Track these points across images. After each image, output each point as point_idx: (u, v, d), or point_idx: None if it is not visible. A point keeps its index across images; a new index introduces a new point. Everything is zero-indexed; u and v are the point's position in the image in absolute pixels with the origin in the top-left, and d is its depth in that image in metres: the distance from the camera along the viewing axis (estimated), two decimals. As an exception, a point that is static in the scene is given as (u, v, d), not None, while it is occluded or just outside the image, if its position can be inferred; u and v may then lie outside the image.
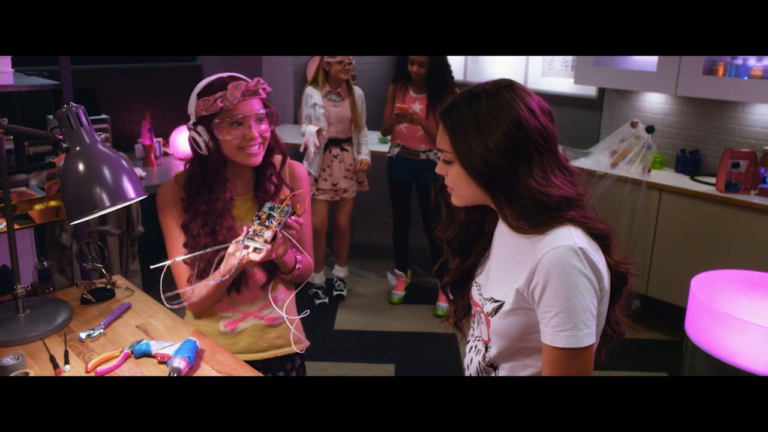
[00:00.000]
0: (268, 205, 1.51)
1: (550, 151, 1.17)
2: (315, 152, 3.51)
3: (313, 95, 3.53)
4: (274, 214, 1.49)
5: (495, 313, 1.22)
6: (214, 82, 1.54)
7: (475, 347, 1.34)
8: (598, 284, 1.12)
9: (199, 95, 1.54)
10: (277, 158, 1.66)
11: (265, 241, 1.46)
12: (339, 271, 3.95)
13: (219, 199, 1.60)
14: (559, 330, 1.10)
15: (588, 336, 1.10)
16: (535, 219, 1.15)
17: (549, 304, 1.11)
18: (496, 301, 1.23)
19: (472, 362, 1.34)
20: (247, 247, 1.46)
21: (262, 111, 1.56)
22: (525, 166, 1.14)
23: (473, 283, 1.34)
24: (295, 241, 1.52)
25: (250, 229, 1.48)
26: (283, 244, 1.50)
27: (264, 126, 1.58)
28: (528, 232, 1.16)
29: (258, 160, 1.59)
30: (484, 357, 1.29)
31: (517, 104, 1.15)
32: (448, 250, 1.39)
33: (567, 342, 1.10)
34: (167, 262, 1.54)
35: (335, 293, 3.89)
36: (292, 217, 1.50)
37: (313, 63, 4.76)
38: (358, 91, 3.64)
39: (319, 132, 3.47)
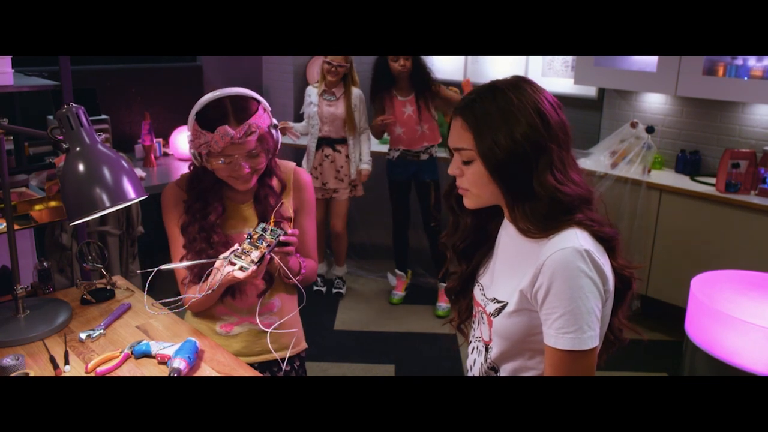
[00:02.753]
0: (261, 225, 1.52)
1: (567, 147, 1.17)
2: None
3: (311, 94, 3.64)
4: (266, 236, 1.50)
5: (498, 314, 1.21)
6: (208, 111, 1.51)
7: (477, 348, 1.34)
8: (603, 287, 1.12)
9: (197, 117, 1.53)
10: (275, 183, 1.66)
11: (252, 261, 1.47)
12: (338, 271, 3.97)
13: (212, 212, 1.61)
14: (564, 332, 1.10)
15: (592, 339, 1.10)
16: (545, 221, 1.14)
17: (553, 306, 1.11)
18: (499, 302, 1.22)
19: (475, 363, 1.34)
20: (233, 264, 1.47)
21: (255, 148, 1.53)
22: (546, 160, 1.14)
23: (476, 284, 1.34)
24: (285, 268, 1.55)
25: (239, 247, 1.49)
26: (272, 263, 1.52)
27: (258, 159, 1.56)
28: (535, 235, 1.15)
29: (248, 186, 1.60)
30: (485, 358, 1.28)
31: (539, 97, 1.16)
32: (454, 256, 1.37)
33: (571, 344, 1.09)
34: (155, 270, 1.51)
35: (334, 291, 3.91)
36: (290, 231, 1.52)
37: (313, 63, 4.76)
38: (356, 92, 3.63)
39: (284, 130, 3.58)
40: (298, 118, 4.91)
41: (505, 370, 1.25)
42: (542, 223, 1.14)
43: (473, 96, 1.18)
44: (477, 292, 1.33)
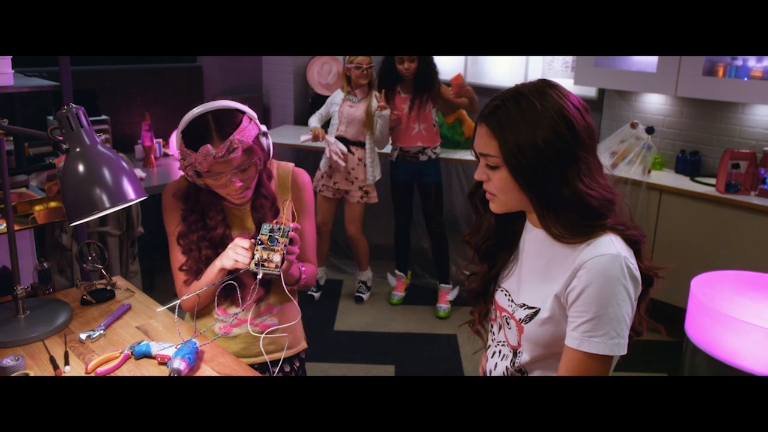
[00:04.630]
0: (267, 227, 1.51)
1: (593, 151, 1.16)
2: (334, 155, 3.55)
3: (337, 96, 3.63)
4: (276, 237, 1.49)
5: (529, 320, 1.21)
6: (191, 130, 1.49)
7: (500, 352, 1.32)
8: (635, 293, 1.12)
9: (183, 135, 1.51)
10: (271, 188, 1.66)
11: (276, 267, 1.47)
12: (361, 275, 3.95)
13: (217, 226, 1.62)
14: (590, 335, 1.10)
15: (619, 346, 1.10)
16: (578, 228, 1.13)
17: (583, 310, 1.10)
18: (530, 308, 1.21)
19: (496, 367, 1.32)
20: (257, 272, 1.48)
21: (244, 162, 1.51)
22: (574, 168, 1.12)
23: (499, 289, 1.33)
24: (292, 264, 1.54)
25: (256, 255, 1.48)
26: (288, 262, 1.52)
27: (248, 173, 1.54)
28: (569, 241, 1.15)
29: (244, 201, 1.60)
30: (512, 362, 1.28)
31: (565, 102, 1.13)
32: (476, 256, 1.35)
33: (596, 348, 1.10)
34: (177, 302, 1.54)
35: (356, 294, 3.91)
36: (291, 225, 1.51)
37: (313, 64, 4.76)
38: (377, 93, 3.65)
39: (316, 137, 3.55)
40: (298, 119, 4.92)
41: (535, 374, 1.25)
42: (575, 229, 1.14)
43: (498, 102, 1.16)
44: (501, 297, 1.31)
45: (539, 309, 1.19)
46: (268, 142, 1.58)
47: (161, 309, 1.62)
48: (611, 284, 1.09)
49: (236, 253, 1.52)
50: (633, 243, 1.16)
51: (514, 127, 1.12)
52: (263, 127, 1.58)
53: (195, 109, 1.51)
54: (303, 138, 3.61)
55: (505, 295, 1.30)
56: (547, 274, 1.19)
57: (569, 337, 1.13)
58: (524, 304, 1.23)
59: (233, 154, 1.46)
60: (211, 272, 1.58)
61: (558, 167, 1.11)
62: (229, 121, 1.49)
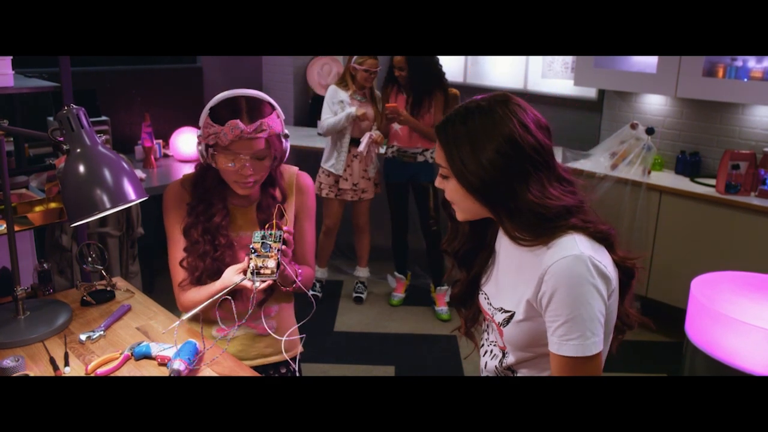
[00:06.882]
0: (258, 234, 1.51)
1: (546, 165, 1.16)
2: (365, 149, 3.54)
3: (339, 93, 3.57)
4: (269, 243, 1.50)
5: (507, 323, 1.22)
6: (222, 107, 1.51)
7: (491, 351, 1.34)
8: (607, 289, 1.12)
9: (210, 112, 1.52)
10: (278, 193, 1.66)
11: (272, 272, 1.48)
12: (360, 272, 3.95)
13: (216, 214, 1.61)
14: (566, 339, 1.10)
15: (595, 344, 1.10)
16: (537, 230, 1.15)
17: (556, 314, 1.11)
18: (506, 312, 1.22)
19: (487, 366, 1.34)
20: (252, 281, 1.48)
21: (263, 150, 1.53)
22: (522, 182, 1.14)
23: (480, 292, 1.34)
24: (287, 266, 1.53)
25: (251, 264, 1.49)
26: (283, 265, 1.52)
27: (263, 163, 1.55)
28: (530, 243, 1.16)
29: (249, 192, 1.60)
30: (501, 362, 1.29)
31: (510, 120, 1.14)
32: (455, 262, 1.38)
33: (574, 351, 1.10)
34: (177, 323, 1.53)
35: (354, 295, 3.91)
36: (285, 228, 1.51)
37: (314, 64, 4.76)
38: (378, 94, 3.68)
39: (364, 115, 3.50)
40: (299, 120, 4.92)
41: (522, 373, 1.26)
42: (534, 232, 1.15)
43: (450, 116, 1.20)
44: (483, 301, 1.32)
45: (514, 312, 1.21)
46: (286, 144, 1.60)
47: (185, 317, 1.56)
48: (578, 285, 1.09)
49: (231, 272, 1.52)
50: (602, 239, 1.16)
51: (459, 145, 1.16)
52: (286, 131, 1.60)
53: (228, 91, 1.54)
54: (363, 145, 3.49)
55: (486, 299, 1.32)
56: (518, 278, 1.21)
57: (550, 342, 1.14)
58: (501, 308, 1.25)
59: (260, 134, 1.49)
60: (210, 290, 1.56)
61: (504, 182, 1.14)
62: (259, 107, 1.53)
